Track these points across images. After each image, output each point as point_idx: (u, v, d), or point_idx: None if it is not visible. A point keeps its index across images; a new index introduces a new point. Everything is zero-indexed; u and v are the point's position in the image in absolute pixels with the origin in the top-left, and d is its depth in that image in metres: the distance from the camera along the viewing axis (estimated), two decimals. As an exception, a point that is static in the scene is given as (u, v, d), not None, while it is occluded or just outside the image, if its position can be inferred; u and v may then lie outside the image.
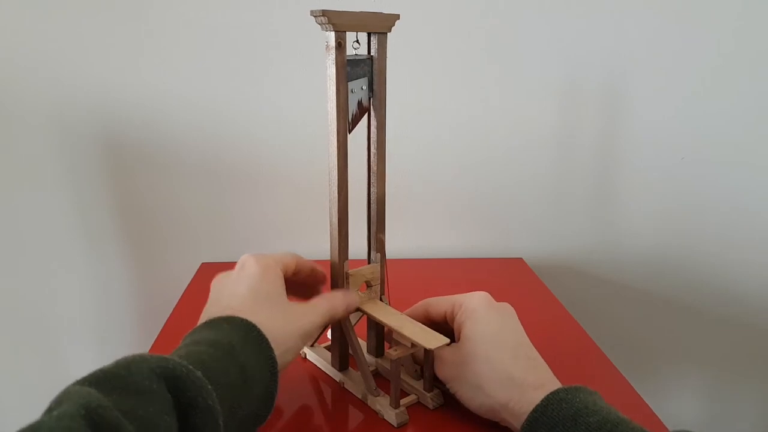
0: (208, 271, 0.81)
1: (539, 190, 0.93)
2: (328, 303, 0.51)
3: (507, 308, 0.54)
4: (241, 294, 0.47)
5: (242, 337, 0.42)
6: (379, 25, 0.49)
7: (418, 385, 0.54)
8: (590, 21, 0.86)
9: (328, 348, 0.60)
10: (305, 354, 0.61)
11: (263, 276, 0.48)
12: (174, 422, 0.34)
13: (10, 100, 0.82)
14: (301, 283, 0.55)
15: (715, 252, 0.98)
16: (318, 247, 0.74)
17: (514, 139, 0.90)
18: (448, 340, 0.49)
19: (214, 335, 0.41)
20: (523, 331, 0.52)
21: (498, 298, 0.78)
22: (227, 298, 0.47)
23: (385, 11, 0.49)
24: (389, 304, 0.57)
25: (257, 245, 0.88)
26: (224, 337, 0.41)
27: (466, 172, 0.91)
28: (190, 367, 0.36)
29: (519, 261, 0.92)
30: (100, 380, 0.33)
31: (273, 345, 0.43)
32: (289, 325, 0.46)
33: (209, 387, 0.36)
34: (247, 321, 0.43)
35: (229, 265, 0.83)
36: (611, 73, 0.88)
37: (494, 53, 0.86)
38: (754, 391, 1.07)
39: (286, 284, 0.50)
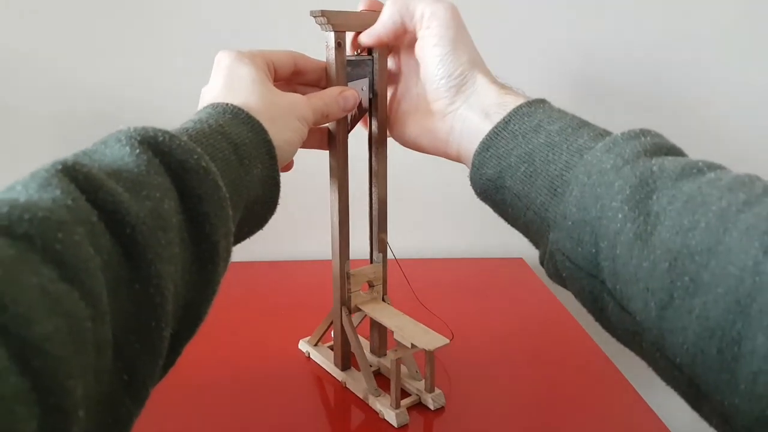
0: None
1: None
2: (321, 95, 0.46)
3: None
4: (220, 85, 0.42)
5: (230, 119, 0.38)
6: (379, 26, 0.49)
7: (419, 385, 0.54)
8: (593, 19, 0.86)
9: (330, 347, 0.60)
10: (308, 353, 0.61)
11: (239, 62, 0.42)
12: (166, 182, 0.30)
13: (11, 100, 0.82)
14: (311, 87, 0.49)
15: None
16: (319, 248, 0.74)
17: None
18: (448, 341, 0.49)
19: (197, 117, 0.37)
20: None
21: (498, 298, 0.78)
22: (207, 95, 0.42)
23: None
24: (391, 304, 0.57)
25: (258, 245, 0.87)
26: (210, 118, 0.37)
27: (467, 172, 0.91)
28: (174, 133, 0.32)
29: (519, 261, 0.92)
30: (77, 155, 0.30)
31: (271, 126, 0.39)
32: (280, 102, 0.41)
33: (199, 150, 0.32)
34: (232, 105, 0.39)
35: (230, 265, 0.83)
36: (612, 72, 0.88)
37: (495, 53, 0.86)
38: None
39: (288, 88, 0.47)
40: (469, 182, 0.41)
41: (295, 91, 0.45)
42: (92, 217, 0.25)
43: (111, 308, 0.25)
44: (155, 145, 0.31)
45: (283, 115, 0.41)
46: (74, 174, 0.26)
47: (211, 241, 0.32)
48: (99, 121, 0.82)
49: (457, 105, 0.42)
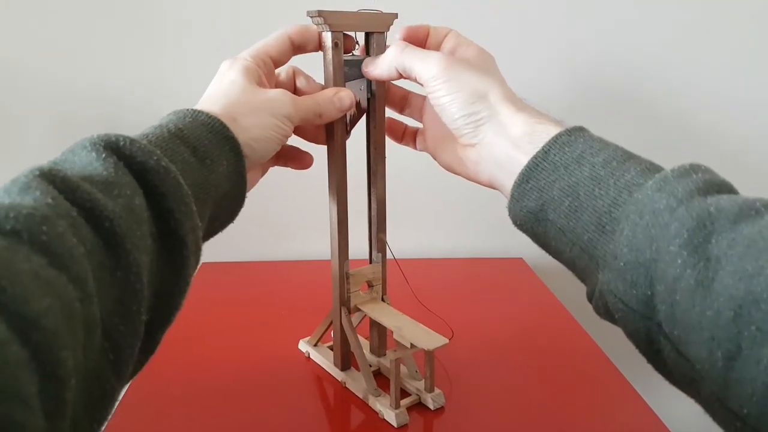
0: (209, 271, 0.81)
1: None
2: (314, 96, 0.46)
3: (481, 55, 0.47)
4: (207, 92, 0.44)
5: (189, 122, 0.39)
6: (376, 25, 0.49)
7: (419, 385, 0.54)
8: (594, 22, 0.86)
9: (330, 347, 0.60)
10: (308, 353, 0.61)
11: (229, 69, 0.44)
12: (133, 181, 0.32)
13: (11, 100, 0.82)
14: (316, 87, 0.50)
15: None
16: (319, 247, 0.74)
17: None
18: (447, 341, 0.49)
19: (159, 123, 0.39)
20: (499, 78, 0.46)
21: (498, 297, 0.78)
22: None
23: (384, 10, 0.49)
24: (391, 304, 0.57)
25: (258, 245, 0.88)
26: (170, 123, 0.38)
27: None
28: (134, 138, 0.34)
29: (519, 261, 0.91)
30: (48, 164, 0.31)
31: (233, 124, 0.40)
32: (250, 100, 0.42)
33: (158, 152, 0.34)
34: (193, 109, 0.40)
35: (230, 265, 0.83)
36: (612, 75, 0.88)
37: (496, 51, 0.86)
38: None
39: (289, 86, 0.48)
40: (508, 213, 0.40)
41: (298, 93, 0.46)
42: (72, 212, 0.27)
43: (97, 292, 0.27)
44: (117, 150, 0.33)
45: (249, 113, 0.42)
46: (51, 177, 0.28)
47: (178, 235, 0.33)
48: (101, 123, 0.83)
49: (481, 137, 0.42)
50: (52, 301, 0.23)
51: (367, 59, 0.49)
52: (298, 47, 0.48)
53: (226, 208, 0.41)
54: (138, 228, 0.30)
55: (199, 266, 0.37)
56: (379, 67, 0.47)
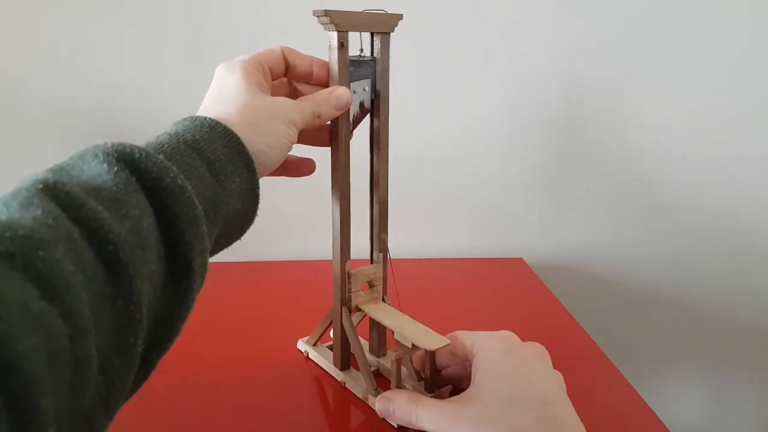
0: (209, 271, 0.81)
1: (540, 190, 0.93)
2: (311, 97, 0.45)
3: (533, 350, 0.47)
4: (211, 97, 0.42)
5: (207, 133, 0.37)
6: (381, 25, 0.49)
7: (419, 386, 0.54)
8: (593, 19, 0.86)
9: (329, 347, 0.60)
10: (308, 353, 0.61)
11: (227, 72, 0.43)
12: (143, 199, 0.30)
13: (10, 100, 0.82)
14: (309, 87, 0.49)
15: (715, 251, 0.98)
16: (319, 248, 0.73)
17: (515, 138, 0.90)
18: (449, 341, 0.49)
19: (174, 130, 0.37)
20: (554, 379, 0.46)
21: (498, 297, 0.78)
22: (201, 105, 0.43)
23: (390, 10, 0.49)
24: (391, 305, 0.57)
25: (259, 245, 0.88)
26: (186, 131, 0.37)
27: (468, 172, 0.91)
28: (149, 151, 0.32)
29: (519, 261, 0.92)
30: (55, 171, 0.30)
31: (251, 130, 0.39)
32: (262, 105, 0.41)
33: (175, 169, 0.32)
34: (210, 118, 0.38)
35: (229, 266, 0.83)
36: (612, 73, 0.88)
37: (497, 53, 0.86)
38: (754, 391, 1.07)
39: (288, 88, 0.48)
40: None
41: (295, 94, 0.45)
42: (74, 234, 0.26)
43: (94, 324, 0.25)
44: (131, 163, 0.31)
45: (266, 119, 0.41)
46: (55, 192, 0.26)
47: (186, 258, 0.32)
48: (100, 121, 0.82)
49: None
50: (38, 340, 0.21)
51: (381, 401, 0.49)
52: (288, 66, 0.47)
53: (235, 226, 0.40)
54: (143, 253, 0.29)
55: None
56: (397, 417, 0.48)
